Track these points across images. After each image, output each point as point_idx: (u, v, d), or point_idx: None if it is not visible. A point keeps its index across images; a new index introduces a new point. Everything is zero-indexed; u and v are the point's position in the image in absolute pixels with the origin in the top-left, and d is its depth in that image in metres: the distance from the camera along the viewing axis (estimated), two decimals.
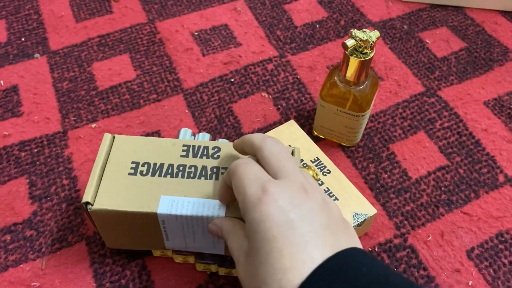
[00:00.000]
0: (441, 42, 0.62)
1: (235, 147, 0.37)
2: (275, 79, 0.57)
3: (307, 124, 0.53)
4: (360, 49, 0.42)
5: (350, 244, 0.28)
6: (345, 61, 0.44)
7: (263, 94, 0.56)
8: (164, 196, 0.36)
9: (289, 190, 0.28)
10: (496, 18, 0.65)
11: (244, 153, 0.36)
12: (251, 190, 0.29)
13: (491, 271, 0.43)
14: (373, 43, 0.42)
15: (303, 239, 0.26)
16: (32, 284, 0.41)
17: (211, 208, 0.35)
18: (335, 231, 0.28)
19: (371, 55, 0.43)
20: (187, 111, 0.54)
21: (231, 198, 0.34)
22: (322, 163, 0.45)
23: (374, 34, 0.42)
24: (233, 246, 0.31)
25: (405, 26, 0.64)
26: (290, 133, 0.47)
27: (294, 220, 0.27)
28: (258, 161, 0.32)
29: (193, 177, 0.37)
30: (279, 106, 0.54)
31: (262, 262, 0.27)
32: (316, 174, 0.34)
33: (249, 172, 0.30)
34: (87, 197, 0.35)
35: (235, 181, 0.31)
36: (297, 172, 0.30)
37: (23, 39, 0.61)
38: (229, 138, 0.52)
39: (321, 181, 0.43)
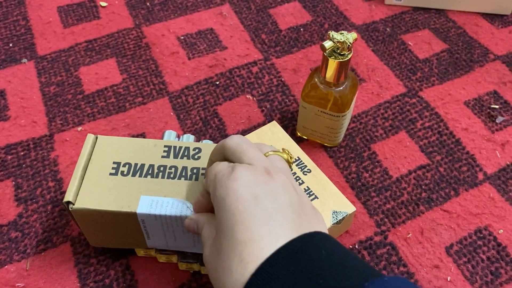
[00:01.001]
0: (423, 44, 0.63)
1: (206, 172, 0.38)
2: (259, 81, 0.58)
3: (290, 125, 0.54)
4: (338, 51, 0.43)
5: (314, 228, 0.28)
6: (324, 62, 0.45)
7: (247, 96, 0.57)
8: (144, 196, 0.36)
9: (253, 172, 0.30)
10: (477, 21, 0.66)
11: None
12: (221, 172, 0.30)
13: (470, 266, 0.43)
14: (350, 44, 0.43)
15: (266, 214, 0.27)
16: (17, 284, 0.41)
17: (190, 208, 0.36)
18: (298, 212, 0.29)
19: (349, 56, 0.44)
20: (172, 113, 0.55)
21: (207, 206, 0.35)
22: (303, 163, 0.45)
23: (351, 36, 0.43)
24: (205, 235, 0.31)
25: (388, 29, 0.65)
26: (273, 134, 0.48)
27: (258, 195, 0.28)
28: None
29: (173, 178, 0.38)
30: (263, 108, 0.55)
31: (226, 237, 0.27)
32: (291, 157, 0.35)
33: (220, 164, 0.32)
34: (68, 196, 0.36)
35: (207, 176, 0.32)
36: (260, 157, 0.32)
37: (11, 45, 0.62)
38: (214, 139, 0.52)
39: (301, 180, 0.44)
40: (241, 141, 0.33)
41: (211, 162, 0.36)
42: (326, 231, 0.30)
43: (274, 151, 0.34)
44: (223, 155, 0.34)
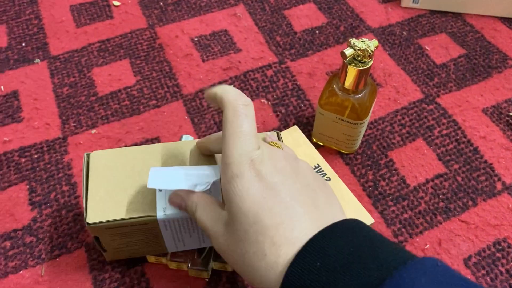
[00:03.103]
0: (440, 48, 0.62)
1: (199, 147, 0.39)
2: (274, 85, 0.57)
3: (306, 130, 0.53)
4: (359, 58, 0.43)
5: (335, 210, 0.31)
6: (344, 69, 0.44)
7: (262, 100, 0.56)
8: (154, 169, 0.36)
9: (270, 157, 0.30)
10: (495, 25, 0.65)
11: (209, 151, 0.38)
12: (237, 160, 0.30)
13: (488, 279, 0.43)
14: (371, 52, 0.42)
15: (289, 198, 0.29)
16: None
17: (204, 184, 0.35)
18: (314, 190, 0.31)
19: (370, 64, 0.43)
20: (186, 117, 0.54)
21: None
22: (323, 170, 0.45)
23: (372, 43, 0.42)
24: (207, 218, 0.32)
25: (404, 33, 0.64)
26: (293, 139, 0.48)
27: (276, 183, 0.29)
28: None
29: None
30: (278, 113, 0.55)
31: (250, 224, 0.28)
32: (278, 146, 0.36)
33: (239, 137, 0.30)
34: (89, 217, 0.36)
35: (227, 123, 0.31)
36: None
37: (23, 44, 0.61)
38: None
39: None
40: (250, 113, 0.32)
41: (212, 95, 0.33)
42: (343, 212, 0.31)
43: (270, 142, 0.36)
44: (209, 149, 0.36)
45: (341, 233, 0.27)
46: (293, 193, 0.29)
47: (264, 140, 0.37)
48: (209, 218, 0.32)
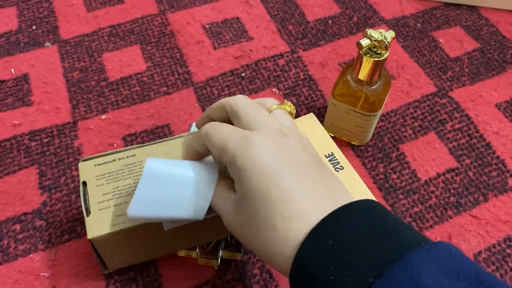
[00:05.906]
0: (454, 42, 0.61)
1: (197, 126, 0.37)
2: (286, 75, 0.57)
3: None
4: (375, 49, 0.42)
5: (340, 186, 0.31)
6: (359, 60, 0.43)
7: (273, 90, 0.55)
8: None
9: (270, 137, 0.30)
10: (511, 19, 0.64)
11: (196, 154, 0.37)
12: (234, 141, 0.30)
13: (498, 275, 0.43)
14: (388, 44, 0.42)
15: (296, 173, 0.29)
16: (42, 274, 0.41)
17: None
18: (319, 166, 0.30)
19: (386, 55, 0.42)
20: (197, 105, 0.54)
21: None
22: (336, 159, 0.44)
23: (389, 35, 0.42)
24: (218, 200, 0.32)
25: (418, 25, 0.63)
26: (309, 126, 0.47)
27: (282, 158, 0.29)
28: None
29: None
30: None
31: (260, 201, 0.28)
32: (293, 109, 0.35)
33: (224, 129, 0.31)
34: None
35: (210, 140, 0.31)
36: (270, 119, 0.32)
37: (34, 27, 0.61)
38: None
39: None
40: (247, 103, 0.33)
41: (207, 117, 0.36)
42: (349, 193, 0.31)
43: (276, 105, 0.34)
44: (226, 114, 0.34)
45: (356, 212, 0.27)
46: (300, 169, 0.29)
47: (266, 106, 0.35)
48: (220, 199, 0.32)
